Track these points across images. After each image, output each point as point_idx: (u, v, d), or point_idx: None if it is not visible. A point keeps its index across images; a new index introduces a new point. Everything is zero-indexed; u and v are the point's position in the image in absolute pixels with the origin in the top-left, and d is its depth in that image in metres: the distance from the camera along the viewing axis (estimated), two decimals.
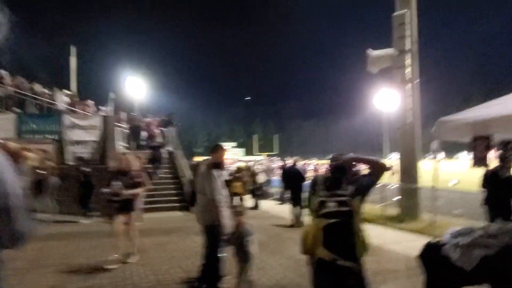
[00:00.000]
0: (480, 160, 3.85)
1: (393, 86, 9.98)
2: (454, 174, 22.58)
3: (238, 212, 4.12)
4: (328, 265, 2.36)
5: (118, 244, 5.58)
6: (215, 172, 4.22)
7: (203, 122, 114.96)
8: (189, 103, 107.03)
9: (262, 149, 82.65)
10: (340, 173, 2.55)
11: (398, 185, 9.93)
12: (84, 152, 12.49)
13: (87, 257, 6.16)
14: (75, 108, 14.69)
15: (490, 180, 5.14)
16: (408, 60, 9.59)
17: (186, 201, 11.12)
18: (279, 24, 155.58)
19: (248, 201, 12.97)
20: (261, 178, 12.89)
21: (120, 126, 15.02)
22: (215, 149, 4.44)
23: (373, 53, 10.21)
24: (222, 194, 4.32)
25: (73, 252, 6.62)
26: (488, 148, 3.71)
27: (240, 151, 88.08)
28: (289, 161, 10.68)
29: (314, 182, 2.70)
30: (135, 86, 23.61)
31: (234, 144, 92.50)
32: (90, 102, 16.33)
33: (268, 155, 55.54)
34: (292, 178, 9.28)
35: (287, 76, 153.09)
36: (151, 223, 9.58)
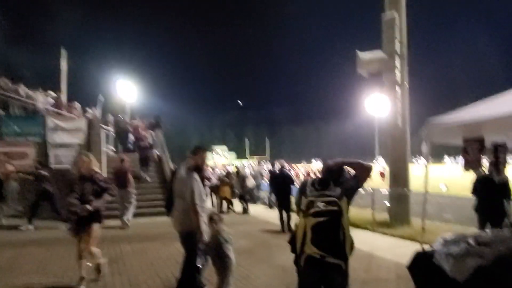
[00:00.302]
0: (472, 163, 3.68)
1: (383, 89, 9.86)
2: (442, 179, 22.68)
3: (215, 219, 3.87)
4: (317, 262, 2.42)
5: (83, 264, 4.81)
6: (195, 176, 3.99)
7: (195, 126, 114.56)
8: (181, 107, 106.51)
9: (253, 153, 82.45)
10: (329, 174, 2.66)
11: (388, 190, 9.78)
12: (68, 155, 12.13)
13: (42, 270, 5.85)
14: (61, 110, 14.31)
15: (483, 185, 5.00)
16: (397, 64, 9.48)
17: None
18: (270, 28, 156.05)
19: (237, 205, 12.73)
20: (250, 182, 12.65)
21: (107, 129, 14.69)
22: (196, 151, 4.20)
23: (363, 55, 10.06)
24: (203, 199, 4.08)
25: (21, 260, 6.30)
26: (481, 150, 3.53)
27: (232, 155, 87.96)
28: (276, 165, 10.47)
29: (304, 184, 2.76)
30: (126, 89, 23.55)
31: (225, 147, 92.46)
32: (77, 105, 15.95)
33: (259, 159, 55.35)
34: (280, 182, 9.06)
35: (279, 80, 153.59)
36: (135, 228, 9.30)
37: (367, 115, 61.03)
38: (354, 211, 11.39)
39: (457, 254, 3.02)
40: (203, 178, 4.16)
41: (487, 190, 4.98)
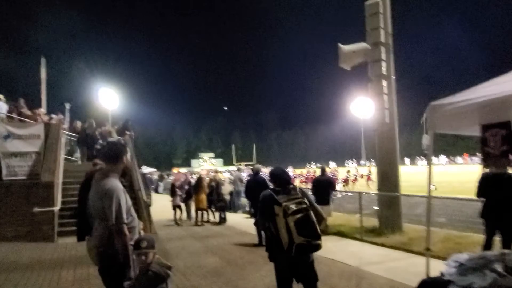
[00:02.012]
0: (496, 158, 2.74)
1: (368, 85, 8.99)
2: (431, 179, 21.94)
3: (144, 252, 2.76)
4: (305, 247, 3.04)
5: None
6: (117, 184, 2.94)
7: (181, 132, 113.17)
8: (167, 114, 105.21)
9: (241, 159, 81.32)
10: (287, 183, 3.42)
11: (375, 193, 8.85)
12: (24, 165, 10.87)
13: None
14: (21, 116, 13.02)
15: (492, 185, 4.08)
16: (382, 54, 8.63)
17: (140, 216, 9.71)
18: (256, 33, 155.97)
19: (213, 215, 11.65)
20: (226, 189, 11.58)
21: (70, 136, 13.46)
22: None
23: (345, 48, 9.22)
24: (132, 215, 3.05)
25: None
26: (509, 138, 2.58)
27: (219, 162, 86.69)
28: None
29: (268, 197, 3.24)
30: (108, 97, 23.43)
31: (212, 154, 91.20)
32: (41, 110, 14.70)
33: (246, 165, 54.24)
34: (253, 188, 7.97)
35: (266, 85, 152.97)
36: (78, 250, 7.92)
37: (353, 117, 61.23)
38: (341, 218, 10.45)
39: None
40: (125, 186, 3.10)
41: (497, 191, 4.06)
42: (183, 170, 62.83)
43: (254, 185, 7.96)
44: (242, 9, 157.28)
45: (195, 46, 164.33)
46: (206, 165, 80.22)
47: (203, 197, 10.94)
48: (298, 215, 3.02)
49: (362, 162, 58.48)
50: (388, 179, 8.59)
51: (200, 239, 8.85)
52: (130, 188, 10.89)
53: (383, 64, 8.59)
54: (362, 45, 9.04)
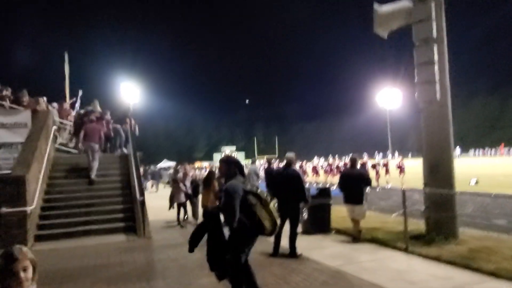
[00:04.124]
0: None
1: (413, 51, 7.09)
2: (469, 173, 19.56)
3: None
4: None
5: None
6: None
7: (203, 126, 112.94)
8: (189, 108, 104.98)
9: (263, 152, 79.75)
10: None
11: (424, 189, 6.97)
12: (9, 157, 9.66)
13: None
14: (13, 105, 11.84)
15: None
16: (432, 11, 6.71)
17: (134, 219, 8.26)
18: (277, 26, 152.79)
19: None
20: None
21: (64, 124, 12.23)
22: None
23: (382, 8, 7.38)
24: None
25: None
26: None
27: (241, 155, 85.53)
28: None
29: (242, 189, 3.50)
30: (130, 91, 23.84)
31: (234, 148, 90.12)
32: (41, 99, 13.54)
33: (267, 158, 52.60)
34: (288, 185, 6.24)
35: (288, 77, 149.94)
36: (65, 257, 6.48)
37: (378, 109, 58.35)
38: (374, 218, 8.56)
39: None
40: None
41: None
42: (205, 163, 61.85)
43: (285, 180, 6.25)
44: (265, 5, 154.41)
45: (219, 40, 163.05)
46: None
47: (212, 195, 9.33)
48: (274, 200, 4.06)
49: (389, 154, 55.57)
50: (438, 172, 6.70)
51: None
52: (127, 183, 9.46)
53: (433, 24, 6.67)
54: (404, 3, 7.17)
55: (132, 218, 8.36)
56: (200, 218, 9.62)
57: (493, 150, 57.61)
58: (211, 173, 9.61)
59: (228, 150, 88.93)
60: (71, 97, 17.48)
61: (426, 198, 6.90)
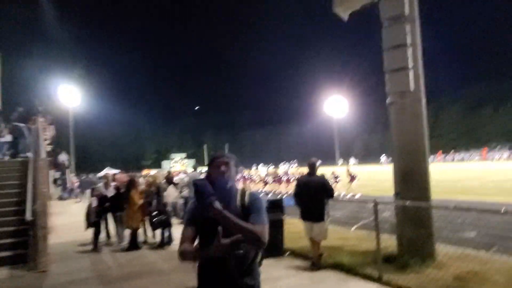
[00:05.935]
0: None
1: (380, 32, 5.92)
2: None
3: None
4: None
5: None
6: None
7: (151, 133, 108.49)
8: (137, 114, 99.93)
9: None
10: None
11: (394, 198, 5.75)
12: None
13: None
14: None
15: None
16: None
17: (28, 245, 6.17)
18: (229, 31, 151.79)
19: (152, 233, 8.15)
20: (171, 195, 8.05)
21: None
22: None
23: None
24: None
25: None
26: None
27: (191, 162, 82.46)
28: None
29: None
30: (69, 94, 23.28)
31: (184, 155, 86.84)
32: None
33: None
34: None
35: (238, 84, 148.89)
36: None
37: (326, 116, 59.23)
38: (332, 234, 6.99)
39: None
40: None
41: None
42: (153, 171, 58.21)
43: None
44: (214, 6, 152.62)
45: (165, 45, 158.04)
46: (178, 166, 76.25)
47: (135, 209, 7.46)
48: None
49: (338, 162, 56.09)
50: (413, 180, 5.52)
51: (115, 282, 5.39)
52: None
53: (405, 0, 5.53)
54: None
55: (25, 244, 6.27)
56: (127, 240, 7.65)
57: (432, 157, 60.68)
58: (131, 182, 7.71)
59: (178, 157, 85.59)
60: (3, 99, 15.33)
61: (398, 213, 5.68)
